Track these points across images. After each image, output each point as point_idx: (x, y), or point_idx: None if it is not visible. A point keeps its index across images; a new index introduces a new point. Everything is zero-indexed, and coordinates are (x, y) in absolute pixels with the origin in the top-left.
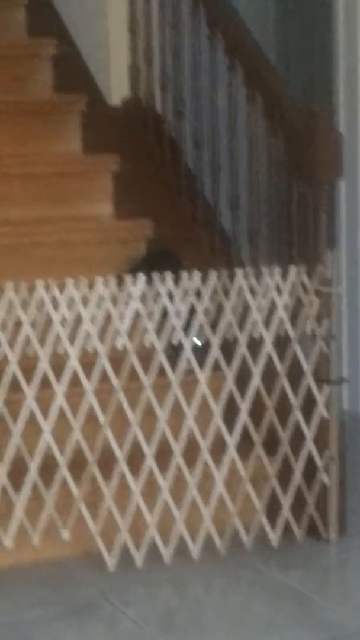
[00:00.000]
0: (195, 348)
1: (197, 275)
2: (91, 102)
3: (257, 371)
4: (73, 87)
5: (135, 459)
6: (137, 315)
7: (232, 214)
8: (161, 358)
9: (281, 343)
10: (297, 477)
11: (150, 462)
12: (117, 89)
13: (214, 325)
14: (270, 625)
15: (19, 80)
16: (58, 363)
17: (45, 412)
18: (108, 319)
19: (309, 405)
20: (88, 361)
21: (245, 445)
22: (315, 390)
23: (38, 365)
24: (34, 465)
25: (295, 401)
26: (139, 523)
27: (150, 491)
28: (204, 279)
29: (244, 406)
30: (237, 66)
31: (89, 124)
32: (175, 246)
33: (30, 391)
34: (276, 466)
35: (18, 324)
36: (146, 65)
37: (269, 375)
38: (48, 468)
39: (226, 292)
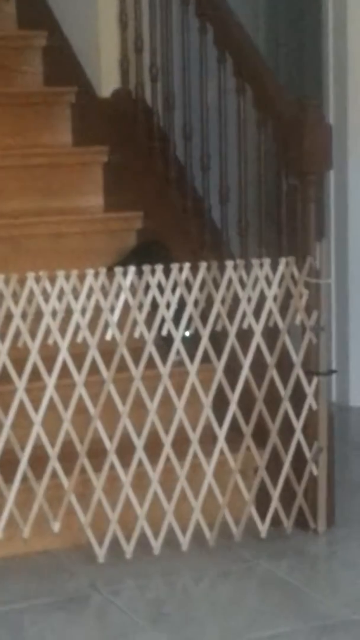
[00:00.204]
0: (184, 339)
1: (186, 266)
2: (81, 93)
3: (246, 362)
4: (63, 79)
5: (125, 450)
6: (126, 307)
7: (221, 206)
8: (151, 349)
9: (271, 334)
10: (286, 469)
11: (140, 453)
12: (107, 80)
13: (203, 317)
14: (259, 615)
15: (9, 72)
16: (48, 355)
17: (35, 404)
18: (98, 310)
19: (298, 397)
20: (78, 352)
21: (234, 437)
22: (304, 382)
23: (29, 357)
24: (24, 457)
25: (284, 392)
26: (129, 514)
27: (140, 483)
28: (194, 271)
29: (234, 397)
30: (227, 57)
31: (79, 115)
32: (165, 237)
33: (20, 383)
34: (265, 458)
35: (8, 316)
36: (136, 57)
37: (259, 366)
38: (38, 459)
39: (216, 284)
